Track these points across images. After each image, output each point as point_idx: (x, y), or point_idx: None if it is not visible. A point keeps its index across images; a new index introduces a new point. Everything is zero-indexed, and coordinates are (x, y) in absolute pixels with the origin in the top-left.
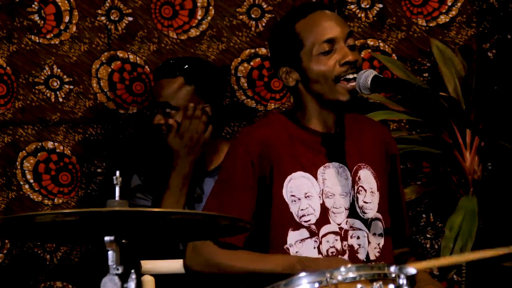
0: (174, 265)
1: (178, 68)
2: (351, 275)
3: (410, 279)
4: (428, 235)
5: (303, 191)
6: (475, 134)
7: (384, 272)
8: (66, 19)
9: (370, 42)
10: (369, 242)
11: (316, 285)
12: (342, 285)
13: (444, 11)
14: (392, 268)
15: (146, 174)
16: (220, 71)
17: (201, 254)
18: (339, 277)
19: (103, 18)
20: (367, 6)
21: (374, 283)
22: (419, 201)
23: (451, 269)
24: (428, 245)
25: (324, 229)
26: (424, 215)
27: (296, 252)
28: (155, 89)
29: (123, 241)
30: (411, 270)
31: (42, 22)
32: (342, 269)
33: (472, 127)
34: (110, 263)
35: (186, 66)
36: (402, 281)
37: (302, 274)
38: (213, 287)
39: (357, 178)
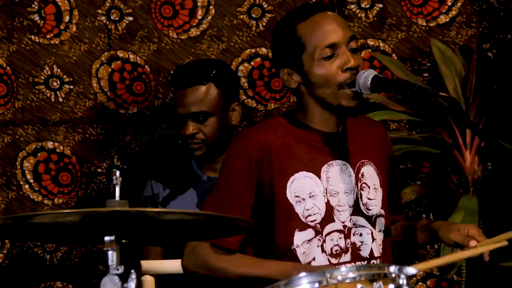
0: (174, 265)
1: (206, 74)
2: (351, 275)
3: None
4: None
5: (307, 191)
6: (475, 134)
7: (384, 272)
8: (66, 19)
9: (370, 42)
10: (373, 239)
11: (316, 285)
12: (342, 285)
13: (444, 11)
14: (392, 268)
15: (164, 182)
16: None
17: (197, 255)
18: (339, 277)
19: (103, 18)
20: (367, 6)
21: (374, 283)
22: (419, 201)
23: (451, 269)
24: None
25: (328, 228)
26: (424, 215)
27: (304, 252)
28: (182, 98)
29: (123, 241)
30: (411, 270)
31: (42, 22)
32: (343, 269)
33: (472, 127)
34: (110, 263)
35: (214, 71)
36: (402, 281)
37: (302, 274)
38: (213, 287)
39: (360, 175)
